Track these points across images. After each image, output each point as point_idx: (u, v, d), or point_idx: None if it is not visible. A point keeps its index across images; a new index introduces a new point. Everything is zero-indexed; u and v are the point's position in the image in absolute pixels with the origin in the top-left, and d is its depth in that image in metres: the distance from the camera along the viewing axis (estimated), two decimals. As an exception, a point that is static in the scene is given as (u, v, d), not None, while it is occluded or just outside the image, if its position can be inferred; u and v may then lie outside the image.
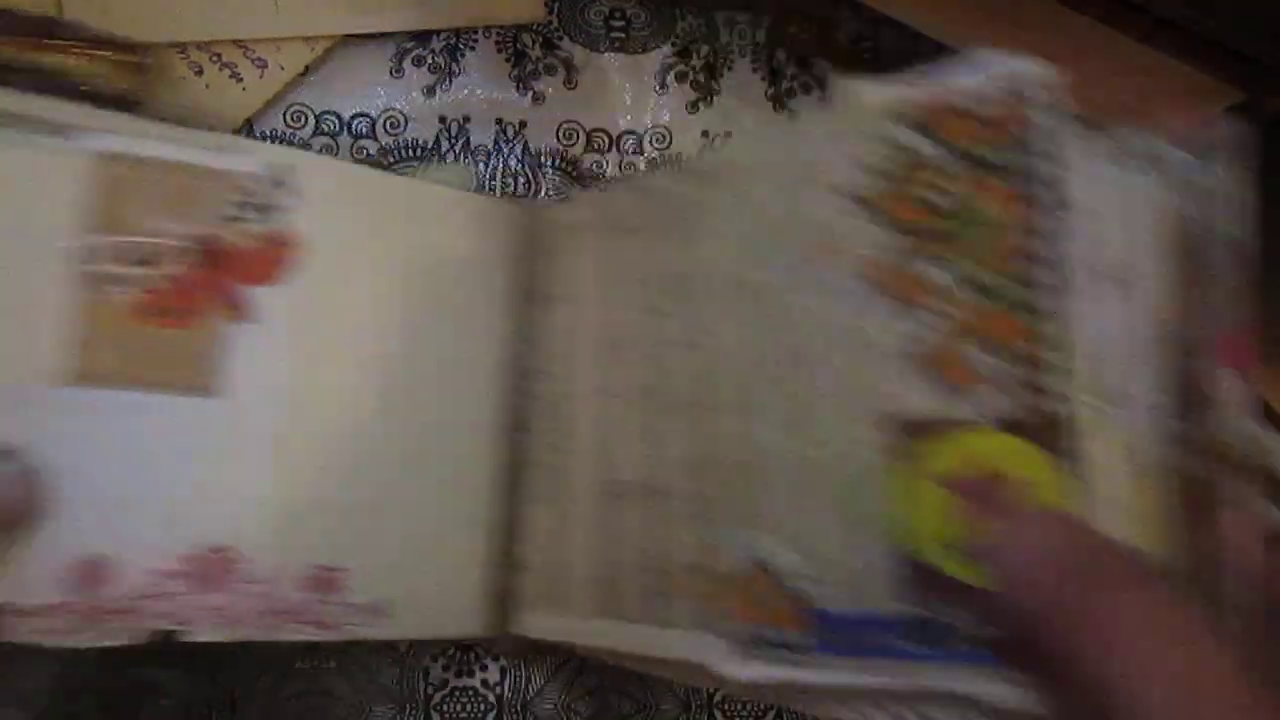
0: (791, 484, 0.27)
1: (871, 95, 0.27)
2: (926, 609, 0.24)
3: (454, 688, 0.41)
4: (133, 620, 0.30)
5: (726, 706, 0.42)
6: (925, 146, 0.25)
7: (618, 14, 0.45)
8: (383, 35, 0.43)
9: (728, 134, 0.44)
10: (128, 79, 0.36)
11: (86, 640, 0.30)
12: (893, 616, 0.24)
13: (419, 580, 0.35)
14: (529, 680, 0.41)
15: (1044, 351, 0.23)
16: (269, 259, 0.33)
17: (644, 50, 0.45)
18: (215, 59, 0.41)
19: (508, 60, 0.44)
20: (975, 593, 0.22)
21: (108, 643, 0.30)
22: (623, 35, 0.45)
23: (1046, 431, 0.23)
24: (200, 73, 0.40)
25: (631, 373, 0.33)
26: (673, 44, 0.45)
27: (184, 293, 0.32)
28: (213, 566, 0.31)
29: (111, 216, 0.31)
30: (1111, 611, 0.19)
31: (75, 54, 0.35)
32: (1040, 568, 0.20)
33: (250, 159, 0.34)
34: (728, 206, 0.31)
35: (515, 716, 0.41)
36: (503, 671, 0.41)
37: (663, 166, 0.43)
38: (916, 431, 0.25)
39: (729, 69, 0.45)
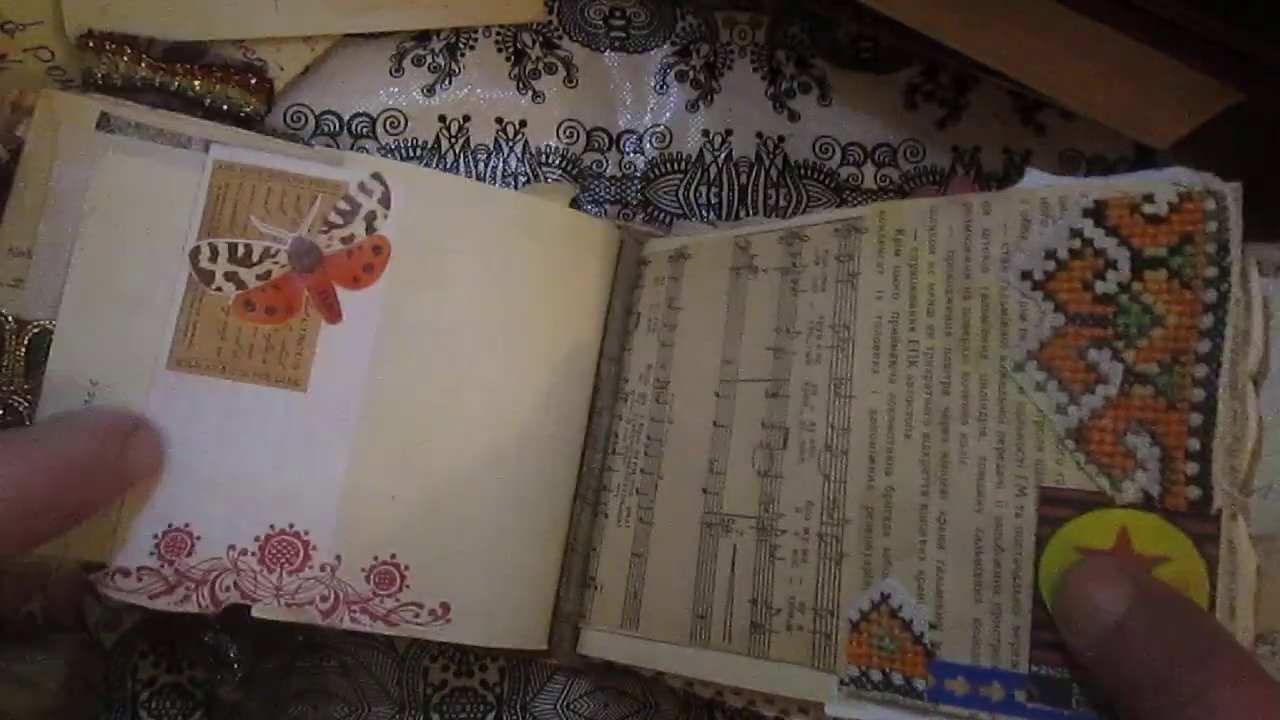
0: (928, 537, 0.29)
1: (1057, 186, 0.28)
2: (1053, 670, 0.26)
3: (454, 688, 0.41)
4: (208, 591, 0.33)
5: (726, 707, 0.43)
6: (1103, 239, 0.27)
7: (618, 13, 0.45)
8: (382, 35, 0.42)
9: (729, 132, 0.44)
10: (253, 100, 0.40)
11: (162, 604, 0.32)
12: (1017, 674, 0.27)
13: (484, 586, 0.35)
14: (529, 680, 0.42)
15: (1193, 441, 0.26)
16: (362, 264, 0.35)
17: (644, 50, 0.45)
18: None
19: (508, 60, 0.44)
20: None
21: (183, 609, 0.32)
22: (623, 34, 0.45)
23: (1188, 515, 0.25)
24: None
25: (752, 409, 0.34)
26: (673, 43, 0.45)
27: (281, 292, 0.35)
28: (285, 548, 0.33)
29: (222, 219, 0.34)
30: (1222, 702, 0.21)
31: (207, 77, 0.39)
32: (1154, 646, 0.23)
33: (354, 170, 0.36)
34: (890, 267, 0.31)
35: (515, 716, 0.42)
36: (502, 672, 0.41)
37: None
38: (1067, 505, 0.27)
39: (729, 68, 0.45)
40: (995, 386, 0.29)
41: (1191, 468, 0.26)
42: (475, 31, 0.44)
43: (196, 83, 0.38)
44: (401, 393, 0.35)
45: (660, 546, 0.35)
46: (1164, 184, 0.27)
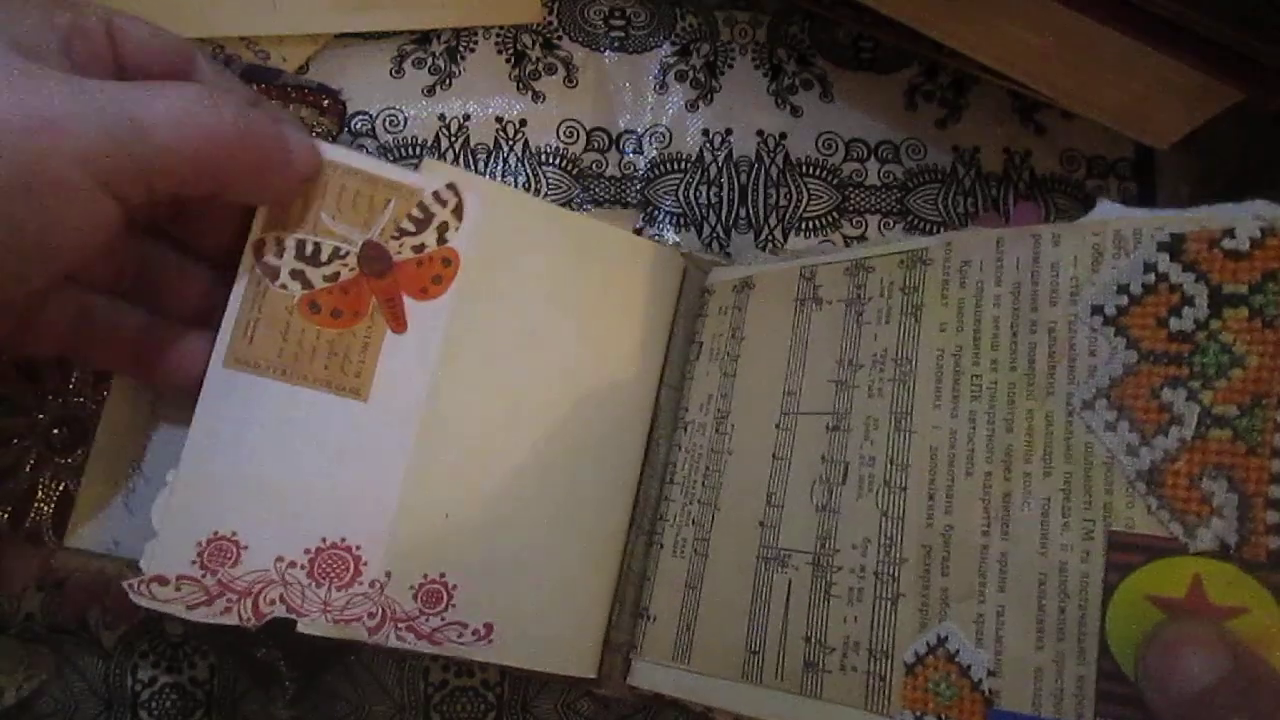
0: (988, 579, 0.28)
1: (1130, 219, 0.27)
2: None
3: (454, 688, 0.41)
4: (251, 604, 0.31)
5: None
6: (1180, 274, 0.26)
7: (618, 13, 0.45)
8: (383, 37, 0.43)
9: (729, 131, 0.44)
10: (325, 121, 0.41)
11: (200, 615, 0.30)
12: None
13: (530, 609, 0.34)
14: (529, 680, 0.41)
15: (1274, 491, 0.25)
16: (431, 275, 0.35)
17: (644, 49, 0.45)
18: (218, 52, 0.41)
19: (508, 61, 0.45)
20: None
21: (224, 620, 0.31)
22: (623, 34, 0.45)
23: (1268, 566, 0.24)
24: None
25: (812, 443, 0.33)
26: (673, 43, 0.45)
27: (349, 296, 0.33)
28: (334, 562, 0.32)
29: (291, 212, 0.33)
30: None
31: (282, 97, 0.40)
32: (1208, 706, 0.22)
33: (430, 177, 0.35)
34: (955, 299, 0.30)
35: (515, 716, 0.41)
36: (502, 672, 0.41)
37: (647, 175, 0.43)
38: (1138, 551, 0.26)
39: (729, 67, 0.45)
40: (1062, 425, 0.27)
41: (1273, 517, 0.24)
42: (475, 35, 0.45)
43: (271, 103, 0.39)
44: (461, 409, 0.34)
45: (714, 579, 0.34)
46: (1245, 218, 0.26)
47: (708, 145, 0.44)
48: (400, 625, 0.33)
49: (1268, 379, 0.25)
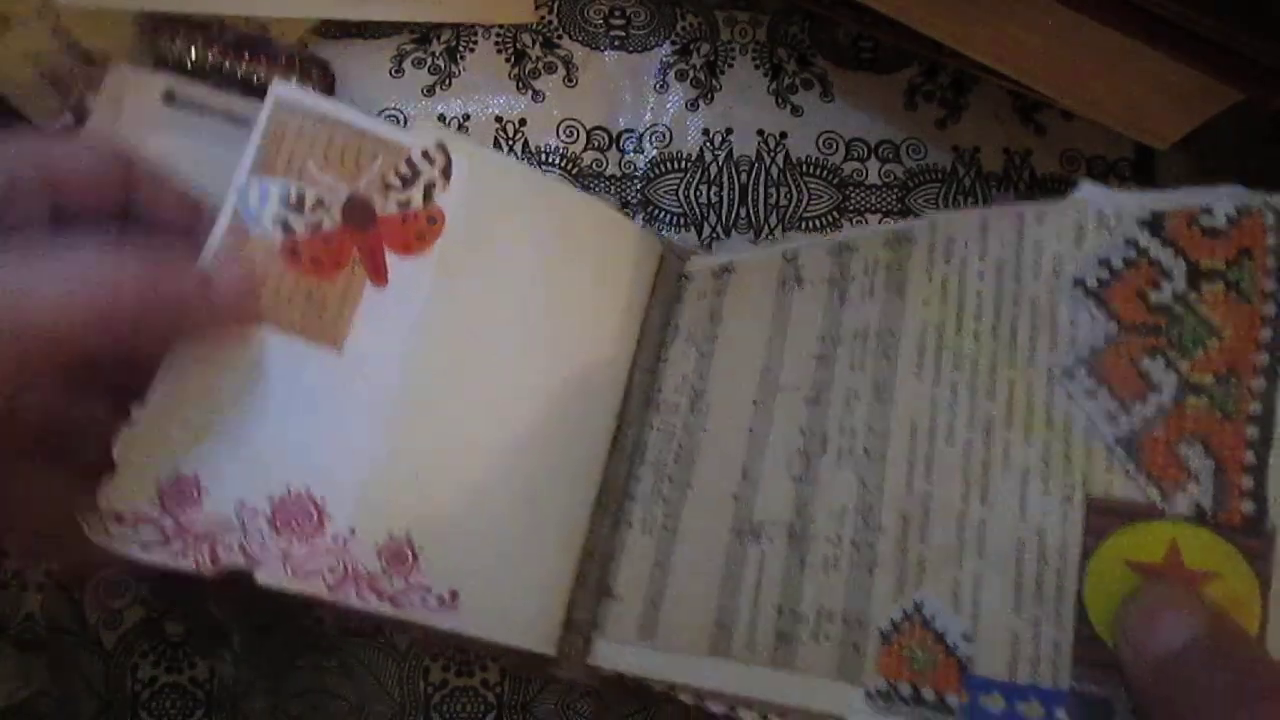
0: (966, 546, 0.28)
1: (1114, 198, 0.28)
2: (1095, 688, 0.25)
3: (454, 688, 0.41)
4: (208, 549, 0.30)
5: None
6: (1159, 250, 0.27)
7: (618, 12, 0.46)
8: (382, 37, 0.44)
9: (729, 131, 0.45)
10: (316, 88, 0.40)
11: (155, 557, 0.29)
12: (1057, 691, 0.25)
13: (494, 580, 0.34)
14: (529, 680, 0.41)
15: (1248, 456, 0.25)
16: (415, 231, 0.34)
17: (644, 49, 0.45)
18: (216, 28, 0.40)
19: (508, 60, 0.45)
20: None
21: (180, 565, 0.29)
22: (623, 34, 0.45)
23: (1242, 531, 0.24)
24: None
25: (791, 417, 0.33)
26: (673, 42, 0.45)
27: (330, 246, 0.33)
28: (298, 513, 0.31)
29: (277, 159, 0.33)
30: None
31: (272, 66, 0.40)
32: (1215, 677, 0.23)
33: (419, 136, 0.35)
34: (939, 275, 0.31)
35: (515, 716, 0.41)
36: (502, 672, 0.41)
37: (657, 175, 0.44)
38: (1116, 515, 0.26)
39: (729, 66, 0.45)
40: (1042, 393, 0.28)
41: (1247, 482, 0.25)
42: (475, 35, 0.45)
43: (261, 70, 0.39)
44: (439, 367, 0.34)
45: (685, 556, 0.34)
46: (1223, 198, 0.27)
47: (708, 145, 0.44)
48: (362, 584, 0.31)
49: (1243, 349, 0.26)
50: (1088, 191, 0.29)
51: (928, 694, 0.27)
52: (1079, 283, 0.28)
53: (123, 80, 0.37)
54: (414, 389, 0.34)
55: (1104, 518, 0.26)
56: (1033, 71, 0.38)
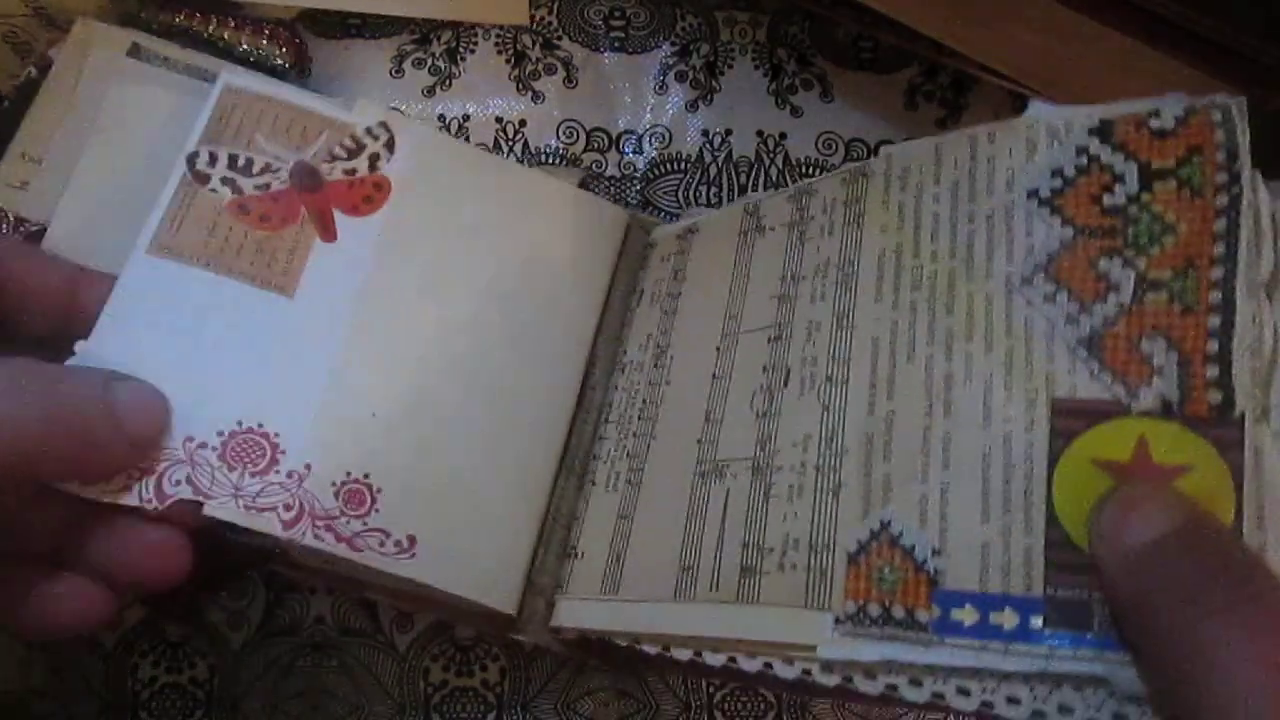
0: (931, 459, 0.27)
1: (1063, 112, 0.28)
2: (1070, 593, 0.24)
3: (454, 688, 0.40)
4: (153, 483, 0.29)
5: (726, 706, 0.42)
6: (1110, 155, 0.27)
7: (617, 13, 0.46)
8: (382, 37, 0.44)
9: (729, 132, 0.45)
10: (281, 53, 0.41)
11: (97, 492, 0.28)
12: (1031, 598, 0.24)
13: (455, 530, 0.33)
14: (529, 680, 0.41)
15: (1211, 346, 0.25)
16: (362, 195, 0.35)
17: (644, 49, 0.45)
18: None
19: (508, 61, 0.45)
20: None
21: (123, 500, 0.29)
22: (622, 35, 0.45)
23: (1210, 422, 0.24)
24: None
25: (753, 356, 0.32)
26: (672, 43, 0.45)
27: (278, 203, 0.34)
28: (249, 447, 0.31)
29: (225, 132, 0.34)
30: (1249, 615, 0.20)
31: (240, 29, 0.41)
32: (1189, 562, 0.22)
33: (362, 115, 0.36)
34: (895, 202, 0.31)
35: (515, 716, 0.41)
36: (502, 672, 0.40)
37: (661, 165, 0.44)
38: (1082, 416, 0.26)
39: (729, 67, 0.45)
40: (1001, 303, 0.28)
41: (1211, 371, 0.24)
42: (475, 35, 0.45)
43: (227, 33, 0.40)
44: (391, 320, 0.34)
45: (648, 505, 0.33)
46: (1169, 102, 0.27)
47: (707, 145, 0.44)
48: (319, 523, 0.31)
49: (1198, 243, 0.26)
50: (1037, 109, 0.29)
51: (897, 612, 0.26)
52: (1033, 194, 0.28)
53: (89, 33, 0.37)
54: (366, 336, 0.34)
55: (1070, 419, 0.26)
56: (1033, 71, 0.39)
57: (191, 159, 0.33)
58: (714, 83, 0.45)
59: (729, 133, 0.45)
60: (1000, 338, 0.27)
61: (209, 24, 0.40)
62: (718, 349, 0.34)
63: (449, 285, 0.35)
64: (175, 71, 0.37)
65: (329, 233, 0.34)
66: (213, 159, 0.34)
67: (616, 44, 0.45)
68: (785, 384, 0.31)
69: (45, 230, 0.35)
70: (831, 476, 0.29)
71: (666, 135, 0.44)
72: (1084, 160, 0.28)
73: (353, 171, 0.35)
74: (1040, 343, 0.27)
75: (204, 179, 0.33)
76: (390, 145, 0.36)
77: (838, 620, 0.27)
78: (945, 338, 0.28)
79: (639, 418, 0.35)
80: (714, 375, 0.33)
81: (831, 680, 0.27)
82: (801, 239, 0.33)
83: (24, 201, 0.36)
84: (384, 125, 0.36)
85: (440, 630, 0.41)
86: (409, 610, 0.41)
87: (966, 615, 0.25)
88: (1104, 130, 0.28)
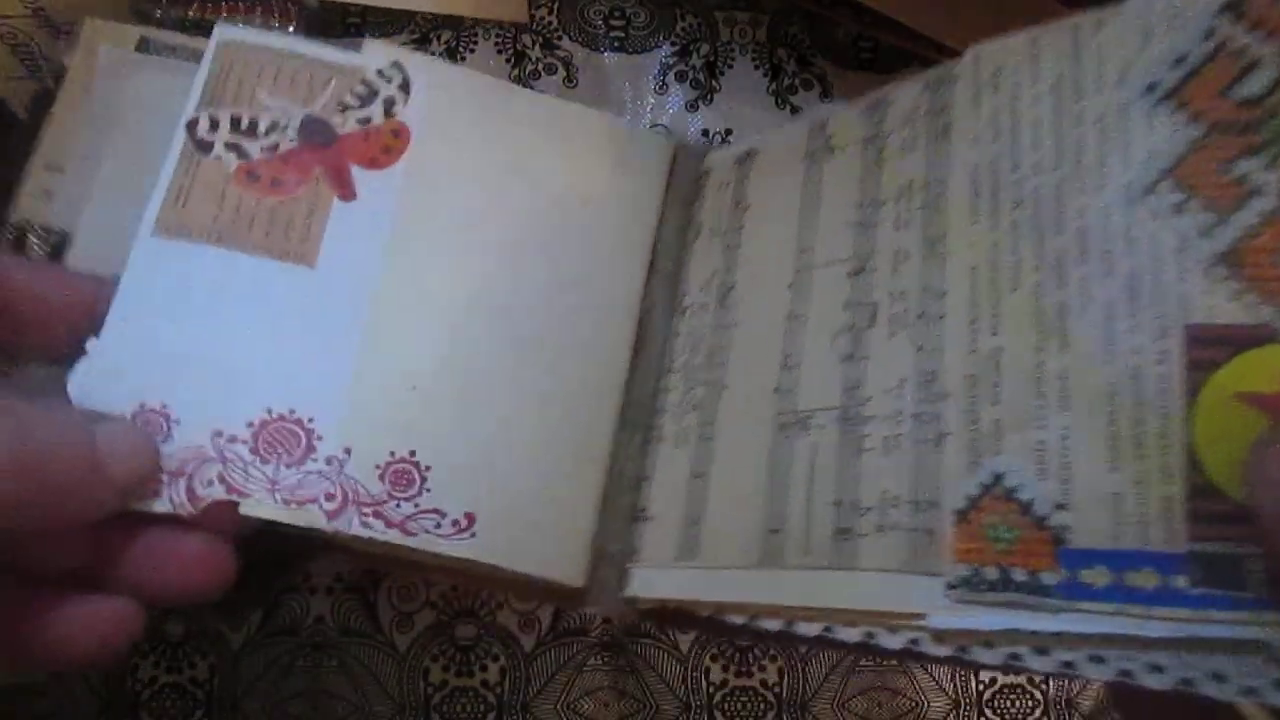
0: (1048, 401, 0.24)
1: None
2: (1218, 546, 0.21)
3: (454, 688, 0.40)
4: (184, 485, 0.27)
5: (726, 706, 0.42)
6: (1245, 37, 0.23)
7: (617, 13, 0.46)
8: (383, 37, 0.43)
9: (729, 131, 0.44)
10: (282, 22, 0.40)
11: (133, 503, 0.26)
12: (1173, 554, 0.21)
13: (513, 502, 0.30)
14: (529, 680, 0.41)
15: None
16: (380, 146, 0.32)
17: (644, 49, 0.45)
18: None
19: (508, 61, 0.44)
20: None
21: (155, 507, 0.26)
22: (622, 35, 0.45)
23: None
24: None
25: (832, 293, 0.29)
26: (673, 43, 0.45)
27: (290, 165, 0.31)
28: (282, 436, 0.28)
29: (225, 92, 0.31)
30: None
31: (251, 11, 0.39)
32: None
33: (372, 56, 0.33)
34: (988, 109, 0.27)
35: (515, 717, 0.41)
36: (502, 672, 0.40)
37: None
38: (1222, 344, 0.22)
39: (729, 67, 0.45)
40: (1120, 216, 0.24)
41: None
42: (475, 35, 0.44)
43: (237, 18, 0.39)
44: (423, 280, 0.31)
45: (724, 462, 0.30)
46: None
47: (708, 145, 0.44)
48: (365, 510, 0.28)
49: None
50: (1147, -10, 0.25)
51: (1017, 575, 0.23)
52: (1151, 88, 0.24)
53: (96, 31, 0.36)
54: (397, 301, 0.31)
55: (1208, 348, 0.22)
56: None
57: (191, 125, 0.31)
58: (714, 83, 0.45)
59: (729, 133, 0.44)
60: (1121, 258, 0.24)
61: (219, 11, 0.39)
62: (791, 286, 0.31)
63: (482, 236, 0.32)
64: (186, 59, 0.35)
65: (347, 191, 0.32)
66: (214, 124, 0.31)
67: (616, 44, 0.45)
68: (872, 323, 0.28)
69: (71, 237, 0.33)
70: (932, 425, 0.26)
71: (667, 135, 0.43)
72: (1211, 45, 0.24)
73: (367, 120, 0.32)
74: (1169, 261, 0.23)
75: (206, 147, 0.31)
76: (405, 87, 0.33)
77: (949, 585, 0.24)
78: (1055, 261, 0.25)
79: (706, 365, 0.32)
80: (789, 316, 0.30)
81: (944, 650, 0.24)
82: (879, 157, 0.30)
83: (51, 211, 0.35)
84: (397, 65, 0.33)
85: (440, 630, 0.41)
86: (469, 589, 0.40)
87: (1098, 576, 0.22)
88: (1235, 7, 0.24)
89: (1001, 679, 0.43)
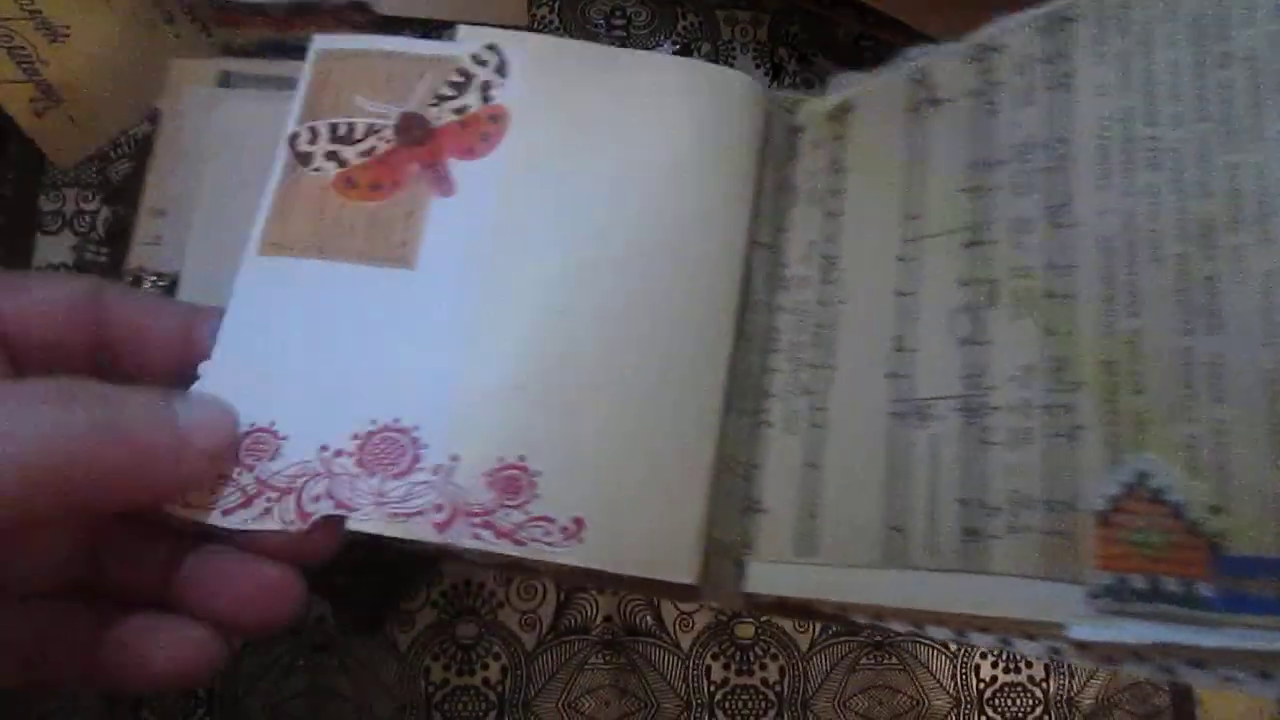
0: (1199, 391, 0.21)
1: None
2: None
3: (455, 687, 0.40)
4: (294, 502, 0.27)
5: (727, 705, 0.42)
6: None
7: (618, 12, 0.46)
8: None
9: None
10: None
11: (239, 521, 0.26)
12: None
13: (619, 501, 0.29)
14: (530, 679, 0.41)
15: None
16: (478, 134, 0.32)
17: (645, 48, 0.45)
18: (186, 9, 0.40)
19: None
20: None
21: (264, 525, 0.26)
22: (623, 34, 0.46)
23: None
24: (170, 20, 0.40)
25: (946, 267, 0.27)
26: (674, 42, 0.46)
27: (386, 166, 0.31)
28: (387, 447, 0.28)
29: (323, 103, 0.32)
30: None
31: (321, 25, 0.40)
32: None
33: (466, 43, 0.32)
34: (1115, 53, 0.24)
35: (516, 716, 0.40)
36: (504, 671, 0.41)
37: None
38: None
39: (730, 66, 0.45)
40: (1278, 172, 0.21)
41: None
42: None
43: (310, 31, 0.38)
44: (524, 271, 0.30)
45: (839, 452, 0.28)
46: None
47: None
48: (475, 521, 0.27)
49: None
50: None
51: (1168, 585, 0.21)
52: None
53: (180, 72, 0.38)
54: (499, 298, 0.30)
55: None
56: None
57: (293, 139, 0.31)
58: (714, 82, 0.44)
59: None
60: (1281, 223, 0.21)
61: (294, 29, 0.40)
62: (899, 259, 0.28)
63: (580, 217, 0.31)
64: (269, 88, 0.37)
65: (446, 186, 0.31)
66: (314, 134, 0.31)
67: (618, 43, 0.45)
68: (992, 301, 0.25)
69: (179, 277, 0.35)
70: (1064, 417, 0.23)
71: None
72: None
73: (463, 109, 0.32)
74: (1343, 225, 0.20)
75: (306, 159, 0.31)
76: (502, 69, 0.32)
77: (1091, 594, 0.22)
78: (1202, 229, 0.22)
79: (813, 345, 0.30)
80: (898, 292, 0.28)
81: (1087, 662, 0.22)
82: (991, 111, 0.27)
83: (159, 256, 0.37)
84: (492, 48, 0.32)
85: (441, 629, 0.41)
86: (581, 587, 0.39)
87: (1263, 587, 0.20)
88: None
89: (1002, 678, 0.43)
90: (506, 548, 0.27)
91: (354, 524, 0.27)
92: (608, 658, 0.41)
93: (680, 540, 0.29)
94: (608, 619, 0.41)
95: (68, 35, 0.38)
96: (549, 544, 0.28)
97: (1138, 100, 0.23)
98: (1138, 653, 0.21)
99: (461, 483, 0.27)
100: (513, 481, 0.28)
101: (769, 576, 0.29)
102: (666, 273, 0.31)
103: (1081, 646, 0.22)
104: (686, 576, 0.29)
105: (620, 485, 0.29)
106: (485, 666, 0.41)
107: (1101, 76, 0.24)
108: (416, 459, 0.28)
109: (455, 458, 0.28)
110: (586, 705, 0.41)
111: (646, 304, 0.31)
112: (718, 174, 0.32)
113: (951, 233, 0.27)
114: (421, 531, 0.27)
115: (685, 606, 0.42)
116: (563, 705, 0.41)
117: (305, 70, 0.32)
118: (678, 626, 0.42)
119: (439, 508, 0.27)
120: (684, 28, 0.46)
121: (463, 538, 0.27)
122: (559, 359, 0.29)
